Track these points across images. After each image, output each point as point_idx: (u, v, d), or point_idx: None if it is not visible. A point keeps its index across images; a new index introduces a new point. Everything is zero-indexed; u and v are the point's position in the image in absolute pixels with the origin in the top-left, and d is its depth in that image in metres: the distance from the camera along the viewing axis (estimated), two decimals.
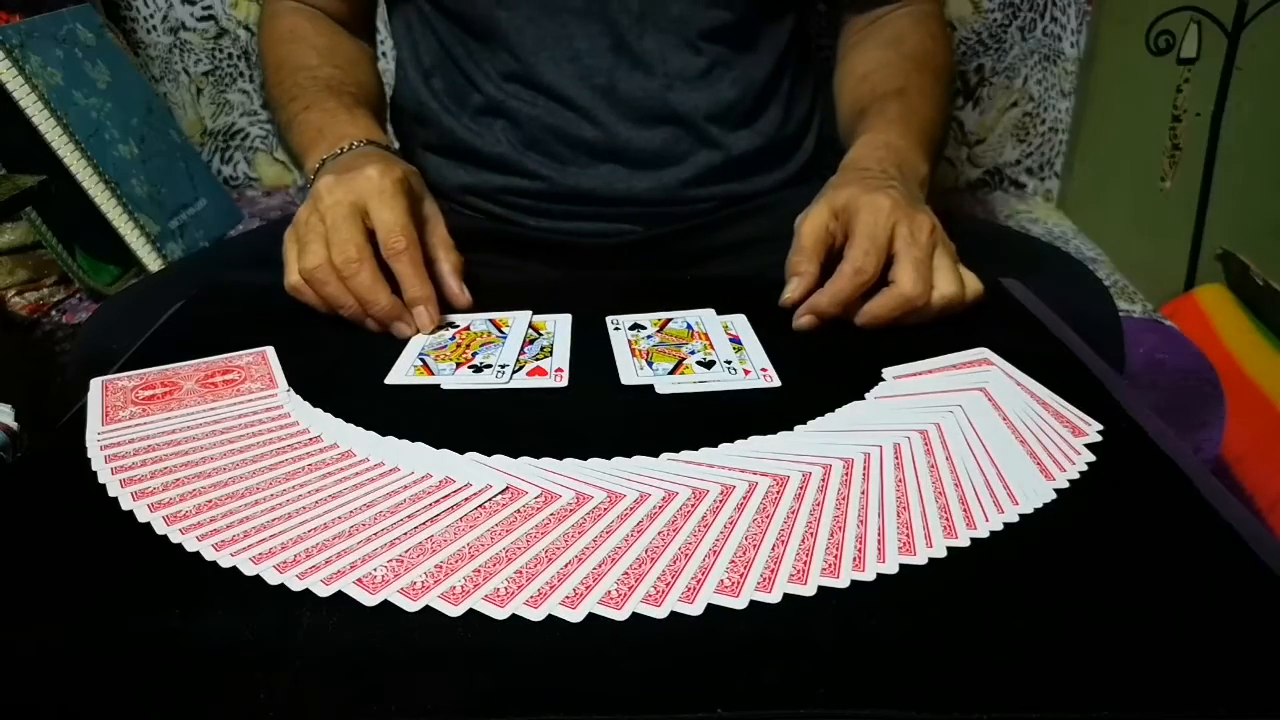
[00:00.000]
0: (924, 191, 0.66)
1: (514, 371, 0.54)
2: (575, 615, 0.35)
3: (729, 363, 0.55)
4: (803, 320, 0.58)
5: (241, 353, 0.57)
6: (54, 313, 1.04)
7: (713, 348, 0.57)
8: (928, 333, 0.57)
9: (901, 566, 0.37)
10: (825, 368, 0.55)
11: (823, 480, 0.43)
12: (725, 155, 0.78)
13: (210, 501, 0.42)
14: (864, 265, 0.56)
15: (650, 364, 0.55)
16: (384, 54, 1.27)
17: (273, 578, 0.37)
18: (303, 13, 0.81)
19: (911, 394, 0.51)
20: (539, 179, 0.78)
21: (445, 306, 0.62)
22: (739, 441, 0.46)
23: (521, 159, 0.77)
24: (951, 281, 0.57)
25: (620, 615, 0.35)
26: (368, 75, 0.81)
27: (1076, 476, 0.43)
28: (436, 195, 0.83)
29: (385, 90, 0.86)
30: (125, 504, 0.42)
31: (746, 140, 0.79)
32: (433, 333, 0.59)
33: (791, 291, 0.59)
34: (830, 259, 0.59)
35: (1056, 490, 0.42)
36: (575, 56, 0.74)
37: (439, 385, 0.53)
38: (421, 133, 0.83)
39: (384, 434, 0.47)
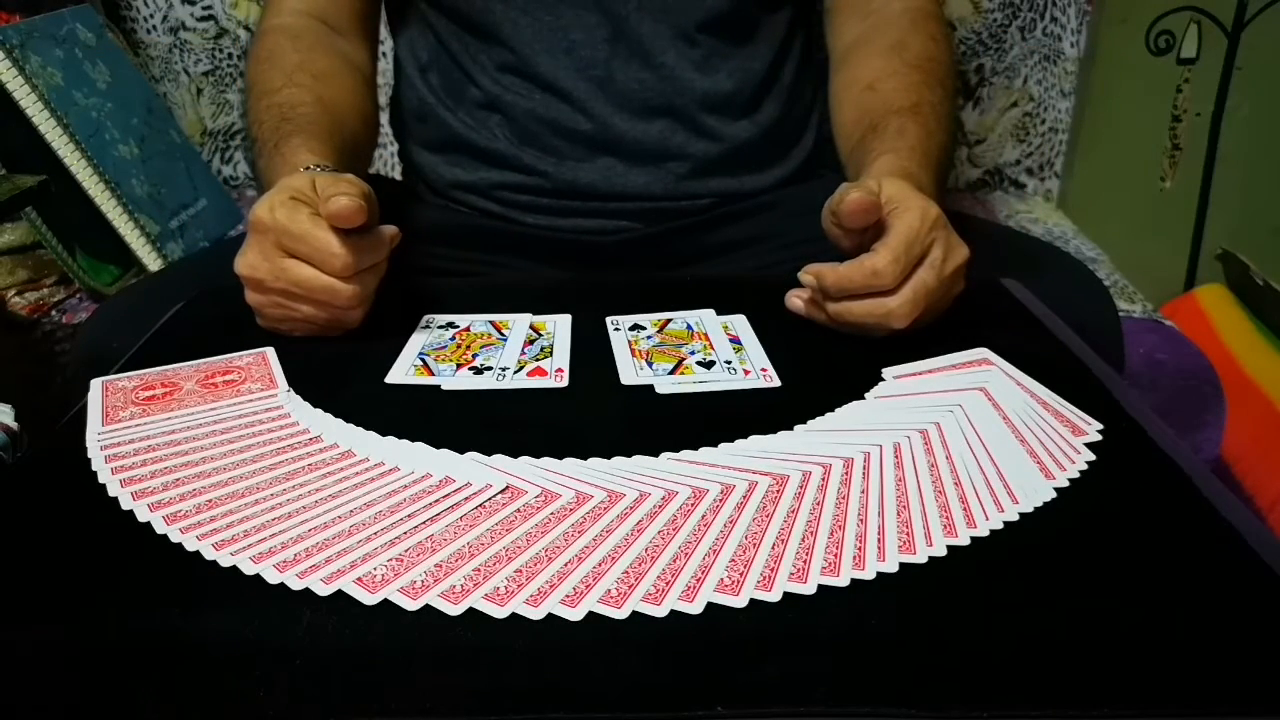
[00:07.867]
0: None
1: (514, 373, 0.54)
2: (575, 614, 0.35)
3: (729, 363, 0.55)
4: (800, 293, 0.59)
5: (242, 353, 0.57)
6: (54, 313, 1.04)
7: (713, 348, 0.57)
8: (928, 333, 0.57)
9: (902, 565, 0.37)
10: (825, 368, 0.55)
11: (823, 479, 0.43)
12: (723, 147, 0.78)
13: (210, 501, 0.42)
14: (883, 272, 0.53)
15: (650, 364, 0.55)
16: (384, 54, 1.27)
17: (272, 577, 0.37)
18: (286, 30, 0.78)
19: (911, 394, 0.51)
20: (536, 174, 0.77)
21: (442, 308, 0.61)
22: (739, 441, 0.46)
23: (518, 154, 0.77)
24: (908, 318, 0.55)
25: (620, 614, 0.35)
26: (334, 88, 0.75)
27: (1076, 475, 0.43)
28: (433, 193, 0.84)
29: (369, 93, 0.81)
30: (125, 504, 0.42)
31: (745, 131, 0.78)
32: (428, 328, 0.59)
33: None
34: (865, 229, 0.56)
35: (1056, 489, 0.42)
36: (571, 48, 0.75)
37: (439, 386, 0.53)
38: (420, 130, 0.83)
39: (384, 434, 0.47)
